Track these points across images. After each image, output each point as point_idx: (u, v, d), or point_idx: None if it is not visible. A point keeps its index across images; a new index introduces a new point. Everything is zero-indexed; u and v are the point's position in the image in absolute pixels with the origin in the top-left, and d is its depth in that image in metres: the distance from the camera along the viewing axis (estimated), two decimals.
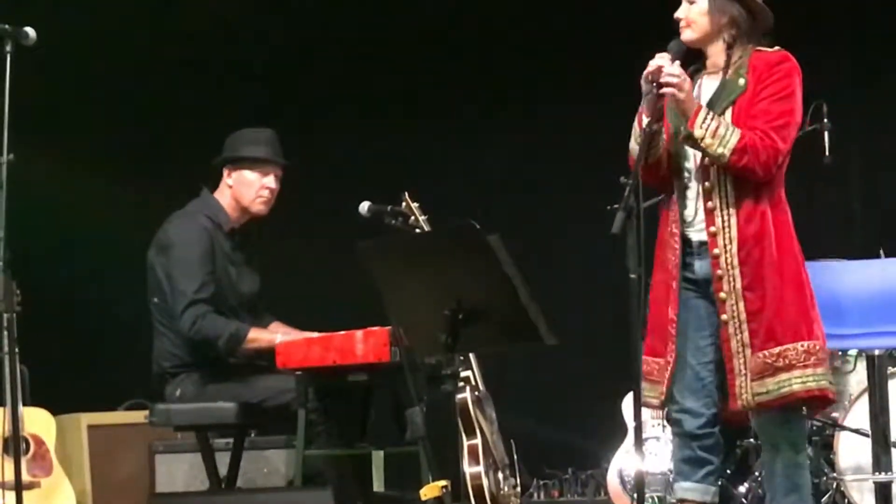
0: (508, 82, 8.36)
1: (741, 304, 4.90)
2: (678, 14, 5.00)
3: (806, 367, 4.89)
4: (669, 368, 4.95)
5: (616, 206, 4.68)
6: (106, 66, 7.93)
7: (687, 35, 4.97)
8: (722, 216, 4.93)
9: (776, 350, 4.88)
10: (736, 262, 4.90)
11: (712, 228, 4.94)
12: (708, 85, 4.99)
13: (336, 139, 8.24)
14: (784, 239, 4.94)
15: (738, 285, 4.90)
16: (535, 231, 8.00)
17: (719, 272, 4.93)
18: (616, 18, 7.94)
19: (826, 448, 6.66)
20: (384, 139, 8.30)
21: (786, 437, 5.00)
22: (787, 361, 4.87)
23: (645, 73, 4.85)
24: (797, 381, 4.88)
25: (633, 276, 4.66)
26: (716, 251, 4.93)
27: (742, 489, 6.73)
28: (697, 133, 4.83)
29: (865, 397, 6.35)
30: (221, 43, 8.25)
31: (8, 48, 5.35)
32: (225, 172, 6.28)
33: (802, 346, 4.90)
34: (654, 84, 4.81)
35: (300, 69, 8.33)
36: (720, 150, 4.83)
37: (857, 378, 6.66)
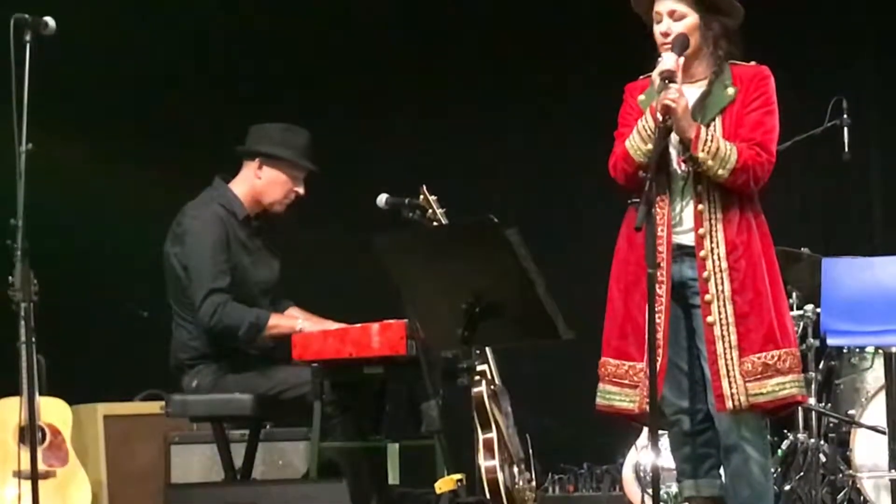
0: (530, 74, 8.34)
1: (729, 307, 4.94)
2: (661, 29, 4.98)
3: (799, 372, 5.00)
4: (659, 373, 4.91)
5: (636, 199, 4.69)
6: (125, 56, 7.93)
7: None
8: (710, 220, 4.96)
9: (776, 353, 4.95)
10: (725, 265, 4.94)
11: (701, 231, 4.97)
12: (689, 94, 4.95)
13: (355, 130, 8.23)
14: (767, 249, 5.02)
15: (727, 288, 4.94)
16: (552, 225, 7.99)
17: (705, 274, 4.96)
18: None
19: (842, 445, 6.65)
20: (403, 131, 8.30)
21: (760, 439, 5.06)
22: (786, 365, 4.95)
23: (661, 70, 4.84)
24: (795, 385, 4.97)
25: (650, 270, 4.68)
26: (702, 253, 4.97)
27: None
28: (701, 157, 4.88)
29: (882, 394, 6.35)
30: (239, 32, 8.25)
31: (27, 38, 5.34)
32: (255, 163, 6.18)
33: (794, 351, 5.00)
34: (667, 82, 4.82)
35: (318, 60, 8.32)
36: (721, 172, 4.90)
37: (875, 375, 6.65)
